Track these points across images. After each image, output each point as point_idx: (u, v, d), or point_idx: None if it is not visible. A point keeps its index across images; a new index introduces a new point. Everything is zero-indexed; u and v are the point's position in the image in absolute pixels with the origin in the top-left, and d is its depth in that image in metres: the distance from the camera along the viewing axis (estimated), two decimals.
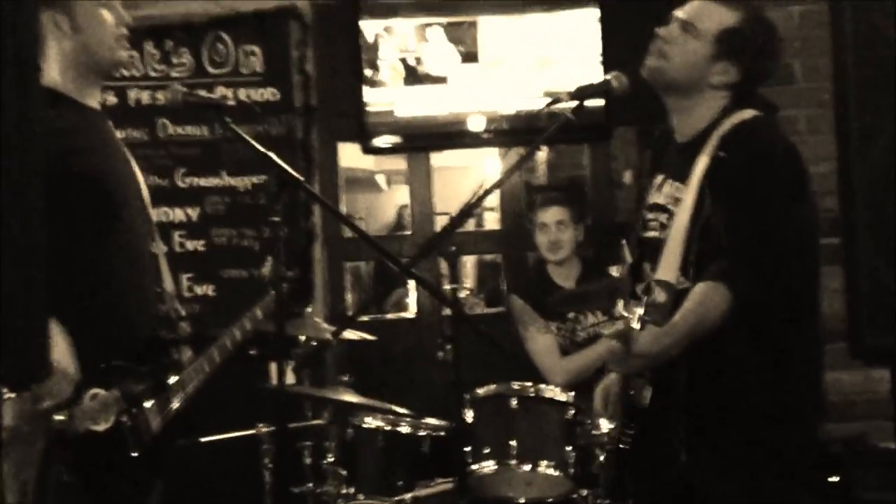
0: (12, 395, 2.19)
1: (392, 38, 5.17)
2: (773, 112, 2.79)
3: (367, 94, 5.13)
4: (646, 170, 2.93)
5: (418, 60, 5.17)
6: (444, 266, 6.41)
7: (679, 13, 2.77)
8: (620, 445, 2.82)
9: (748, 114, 2.72)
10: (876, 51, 2.81)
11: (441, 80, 5.17)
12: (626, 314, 2.50)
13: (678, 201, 2.69)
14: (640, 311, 2.46)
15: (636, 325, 2.41)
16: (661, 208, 2.78)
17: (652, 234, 2.80)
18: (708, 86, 2.73)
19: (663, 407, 2.67)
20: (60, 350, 2.52)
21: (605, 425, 3.01)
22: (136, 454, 2.65)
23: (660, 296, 2.48)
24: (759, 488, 2.61)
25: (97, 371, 2.63)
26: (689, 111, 2.76)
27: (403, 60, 5.17)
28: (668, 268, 2.59)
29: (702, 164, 2.65)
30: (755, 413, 2.62)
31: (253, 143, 2.79)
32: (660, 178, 2.83)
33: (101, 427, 2.59)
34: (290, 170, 2.76)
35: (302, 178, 2.83)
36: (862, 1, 2.80)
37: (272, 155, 2.77)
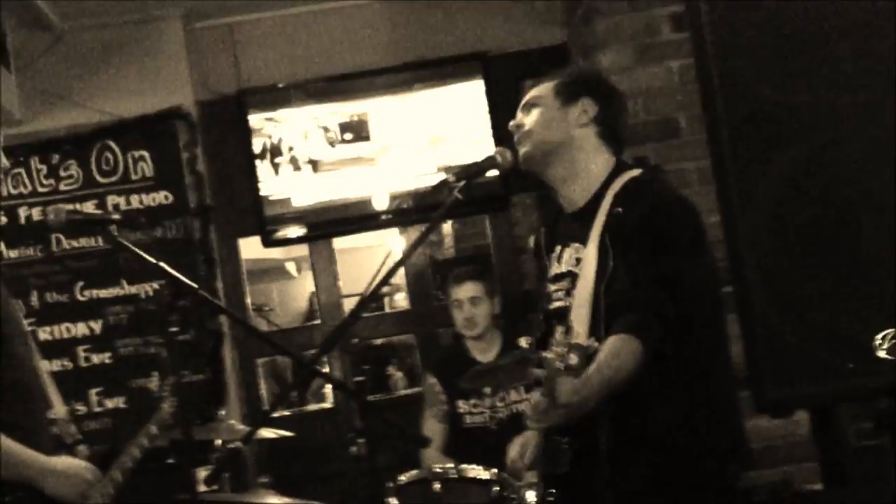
0: None
1: (283, 128, 5.17)
2: (659, 171, 2.83)
3: (263, 186, 5.13)
4: (543, 247, 2.92)
5: (311, 148, 5.17)
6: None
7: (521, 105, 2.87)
8: None
9: (637, 171, 2.75)
10: (746, 103, 2.87)
11: (335, 165, 5.17)
12: (548, 356, 2.35)
13: (580, 261, 2.69)
14: (561, 350, 2.38)
15: (560, 365, 2.32)
16: (563, 276, 2.77)
17: (558, 304, 2.78)
18: (575, 131, 2.76)
19: (585, 471, 2.62)
20: None
21: (531, 497, 2.97)
22: None
23: (572, 359, 2.45)
24: None
25: None
26: (575, 177, 2.78)
27: (296, 149, 5.16)
28: (578, 330, 2.52)
29: (599, 221, 2.66)
30: (678, 467, 2.58)
31: (142, 254, 2.75)
32: (557, 249, 2.83)
33: None
34: (181, 277, 2.70)
35: (195, 284, 2.76)
36: (728, 58, 2.87)
37: (163, 264, 2.72)
